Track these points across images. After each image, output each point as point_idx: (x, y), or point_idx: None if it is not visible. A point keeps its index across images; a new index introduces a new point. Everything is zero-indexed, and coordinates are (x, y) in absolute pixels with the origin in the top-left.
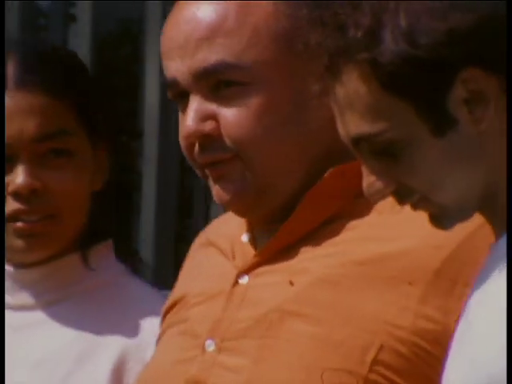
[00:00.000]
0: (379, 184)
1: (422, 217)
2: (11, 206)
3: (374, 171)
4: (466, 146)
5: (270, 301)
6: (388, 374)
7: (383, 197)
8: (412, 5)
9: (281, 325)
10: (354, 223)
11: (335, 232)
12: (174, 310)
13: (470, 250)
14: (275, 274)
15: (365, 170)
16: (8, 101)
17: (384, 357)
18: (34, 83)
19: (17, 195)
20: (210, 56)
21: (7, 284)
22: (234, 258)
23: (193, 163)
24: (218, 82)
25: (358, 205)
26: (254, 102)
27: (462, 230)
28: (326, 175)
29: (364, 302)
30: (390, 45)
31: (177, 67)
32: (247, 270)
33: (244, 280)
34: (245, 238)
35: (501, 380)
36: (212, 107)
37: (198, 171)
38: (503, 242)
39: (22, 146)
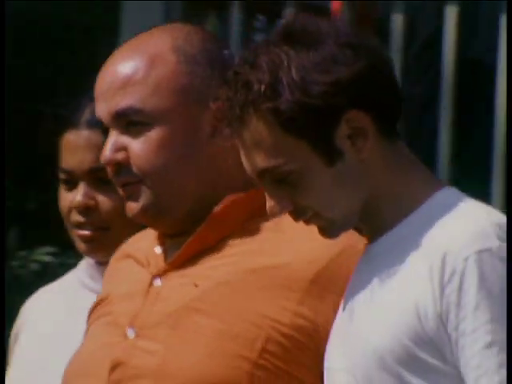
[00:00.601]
0: (280, 206)
1: (301, 237)
2: (74, 217)
3: (274, 197)
4: (350, 172)
5: (179, 299)
6: (273, 360)
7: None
8: (301, 61)
9: (188, 319)
10: (245, 240)
11: (231, 246)
12: (99, 307)
13: (338, 264)
14: (183, 278)
15: (268, 196)
16: (74, 136)
17: (269, 346)
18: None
19: (77, 209)
20: (122, 102)
21: (93, 272)
22: (148, 265)
23: (115, 184)
24: (128, 122)
25: (248, 226)
26: (154, 139)
27: (332, 248)
28: (223, 202)
29: (254, 302)
30: (288, 96)
31: (101, 109)
32: (160, 275)
33: (157, 282)
34: (158, 250)
35: (389, 361)
36: (125, 140)
37: (119, 190)
38: (375, 245)
39: (81, 173)
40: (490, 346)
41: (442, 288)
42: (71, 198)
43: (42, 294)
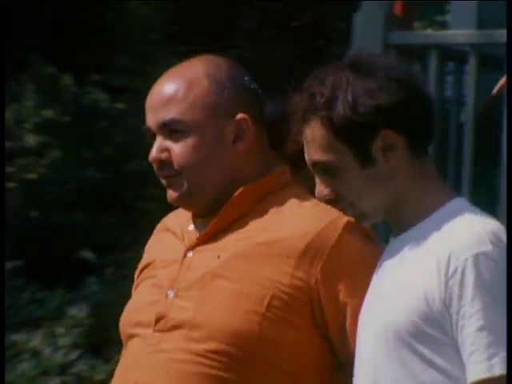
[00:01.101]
0: (326, 191)
1: (295, 217)
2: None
3: (321, 183)
4: (379, 176)
5: (206, 267)
6: (277, 312)
7: (327, 200)
8: (356, 85)
9: (212, 282)
10: (254, 220)
11: (244, 226)
12: (146, 269)
13: (324, 237)
14: (209, 251)
15: (317, 182)
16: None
17: (274, 302)
18: None
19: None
20: (167, 115)
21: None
22: (183, 240)
23: (159, 176)
24: (171, 130)
25: (256, 209)
26: (190, 143)
27: (319, 224)
28: (238, 191)
29: (262, 268)
30: (341, 110)
31: (150, 119)
32: (192, 248)
33: (189, 254)
34: (191, 227)
35: (403, 333)
36: (168, 144)
37: (162, 181)
38: (399, 238)
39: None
40: (481, 329)
41: (447, 281)
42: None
43: None
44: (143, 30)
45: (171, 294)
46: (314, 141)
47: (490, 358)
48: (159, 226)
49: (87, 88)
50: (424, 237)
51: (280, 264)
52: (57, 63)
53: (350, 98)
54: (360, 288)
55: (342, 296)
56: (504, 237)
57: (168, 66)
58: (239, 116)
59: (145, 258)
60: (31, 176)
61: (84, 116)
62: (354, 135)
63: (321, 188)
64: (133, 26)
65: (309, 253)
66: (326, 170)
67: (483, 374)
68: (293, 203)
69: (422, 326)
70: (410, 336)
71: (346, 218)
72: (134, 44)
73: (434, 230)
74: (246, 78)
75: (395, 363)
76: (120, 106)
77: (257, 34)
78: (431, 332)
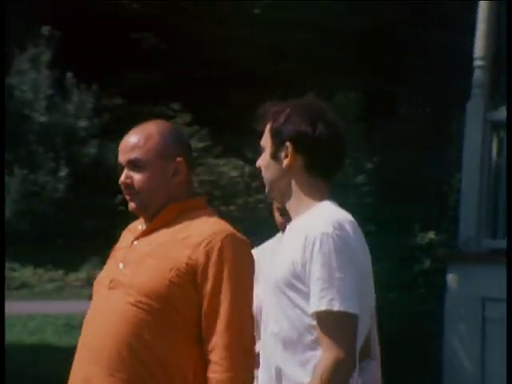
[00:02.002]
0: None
1: (198, 223)
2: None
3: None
4: (278, 169)
5: (142, 251)
6: (178, 278)
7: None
8: (289, 116)
9: (144, 260)
10: (174, 226)
11: (167, 228)
12: (113, 251)
13: (213, 238)
14: (145, 241)
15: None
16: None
17: (177, 272)
18: None
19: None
20: (132, 155)
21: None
22: (133, 234)
23: (124, 194)
24: (134, 165)
25: (177, 219)
26: (145, 174)
27: (212, 230)
28: (167, 207)
29: (173, 253)
30: (271, 120)
31: (120, 158)
32: (136, 239)
33: (135, 243)
34: (141, 227)
35: (281, 285)
36: (131, 174)
37: (126, 197)
38: (291, 223)
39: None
40: (318, 279)
41: (304, 251)
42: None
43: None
44: None
45: (121, 265)
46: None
47: (320, 298)
48: (126, 228)
49: None
50: (300, 224)
51: (183, 250)
52: None
53: (282, 122)
54: (230, 271)
55: (214, 274)
56: (347, 225)
57: None
58: (177, 159)
59: (115, 245)
60: None
61: None
62: (275, 138)
63: (259, 165)
64: None
65: (201, 246)
66: (261, 149)
67: (315, 308)
68: (201, 218)
69: (291, 280)
70: (284, 286)
71: (231, 231)
72: None
73: (307, 219)
74: (182, 135)
75: (276, 305)
76: None
77: None
78: (296, 283)
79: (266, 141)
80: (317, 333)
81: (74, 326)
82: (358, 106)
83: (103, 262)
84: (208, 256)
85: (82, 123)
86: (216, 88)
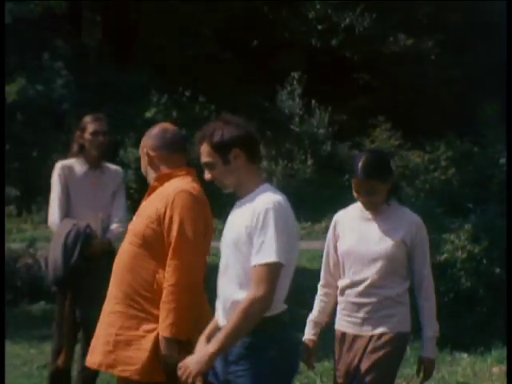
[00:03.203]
0: (208, 176)
1: (163, 194)
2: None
3: (208, 172)
4: (231, 170)
5: (143, 206)
6: (153, 224)
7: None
8: (224, 129)
9: (140, 213)
10: (159, 189)
11: (156, 191)
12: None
13: (173, 201)
14: (147, 200)
15: (206, 172)
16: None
17: (152, 220)
18: None
19: None
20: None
21: None
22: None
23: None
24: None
25: (163, 185)
26: (145, 158)
27: (172, 194)
28: (155, 177)
29: (152, 207)
30: (216, 138)
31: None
32: (144, 199)
33: (143, 202)
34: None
35: (237, 242)
36: (143, 160)
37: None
38: (240, 202)
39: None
40: (262, 242)
41: (253, 219)
42: None
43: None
44: None
45: (134, 217)
46: (204, 152)
47: (258, 252)
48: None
49: None
50: (249, 201)
51: (156, 204)
52: None
53: (215, 135)
54: (178, 215)
55: (169, 218)
56: (282, 202)
57: None
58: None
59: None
60: None
61: None
62: (220, 148)
63: (207, 175)
64: None
65: (164, 199)
66: (208, 166)
67: (255, 258)
68: (175, 181)
69: (244, 238)
70: (239, 243)
71: (184, 188)
72: None
73: (253, 197)
74: (178, 133)
75: (233, 255)
76: None
77: None
78: (247, 241)
79: (211, 157)
80: (252, 276)
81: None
82: None
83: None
84: (166, 206)
85: (321, 131)
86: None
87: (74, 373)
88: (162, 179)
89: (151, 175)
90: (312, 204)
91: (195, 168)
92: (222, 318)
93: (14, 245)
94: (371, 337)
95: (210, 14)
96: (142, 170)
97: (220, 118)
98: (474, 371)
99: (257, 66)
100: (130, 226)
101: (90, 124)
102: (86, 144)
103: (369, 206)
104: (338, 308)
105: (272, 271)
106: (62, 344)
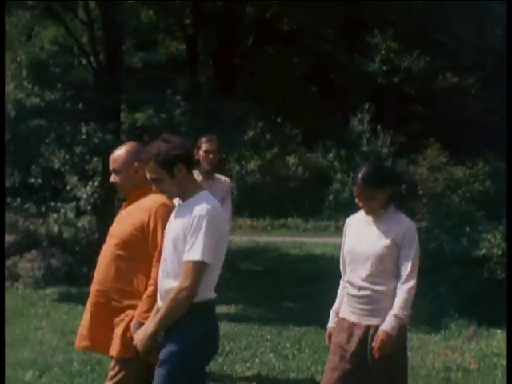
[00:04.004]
0: (157, 189)
1: (144, 205)
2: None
3: (156, 187)
4: (176, 182)
5: (123, 215)
6: (137, 231)
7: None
8: (166, 147)
9: (122, 221)
10: (134, 206)
11: (130, 208)
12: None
13: (154, 205)
14: (123, 212)
15: (153, 186)
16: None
17: (136, 227)
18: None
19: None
20: (113, 165)
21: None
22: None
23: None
24: (115, 171)
25: (140, 200)
26: (123, 174)
27: (153, 206)
28: (133, 194)
29: (135, 217)
30: (155, 160)
31: (110, 166)
32: (124, 208)
33: (122, 211)
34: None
35: (177, 238)
36: (114, 175)
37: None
38: (182, 204)
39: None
40: (193, 243)
41: (189, 221)
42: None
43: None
44: None
45: (115, 224)
46: (151, 169)
47: (190, 250)
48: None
49: None
50: (188, 205)
51: (140, 216)
52: None
53: (160, 151)
54: (160, 224)
55: (153, 227)
56: (217, 208)
57: None
58: (136, 164)
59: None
60: None
61: None
62: (166, 166)
63: (156, 189)
64: None
65: (146, 211)
66: (156, 181)
67: (186, 255)
68: (151, 196)
69: (181, 237)
70: (177, 241)
71: (163, 202)
72: None
73: (192, 202)
74: (144, 151)
75: (172, 253)
76: None
77: None
78: (183, 239)
79: (157, 173)
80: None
81: None
82: None
83: None
84: (149, 217)
85: (384, 150)
86: None
87: None
88: (144, 193)
89: (131, 188)
90: None
91: None
92: (160, 302)
93: None
94: (368, 327)
95: (299, 57)
96: (121, 181)
97: (160, 138)
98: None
99: (334, 99)
100: (112, 231)
101: (203, 144)
102: (201, 159)
103: (368, 211)
104: (344, 299)
105: (197, 267)
106: None
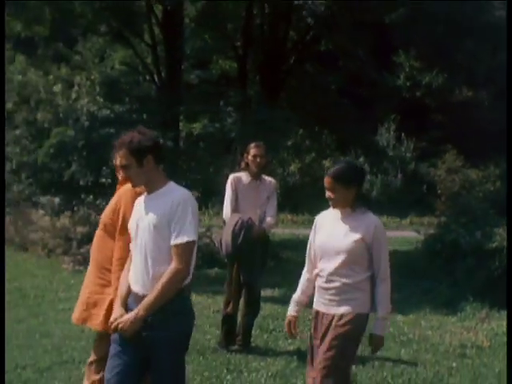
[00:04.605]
0: (123, 175)
1: (125, 187)
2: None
3: (122, 173)
4: (145, 171)
5: (108, 205)
6: (111, 213)
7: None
8: (140, 137)
9: (108, 205)
10: (118, 192)
11: (116, 193)
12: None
13: (124, 190)
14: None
15: (121, 173)
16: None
17: (110, 209)
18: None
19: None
20: (118, 160)
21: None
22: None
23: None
24: (121, 164)
25: (121, 187)
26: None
27: (127, 193)
28: (122, 179)
29: (110, 206)
30: (134, 145)
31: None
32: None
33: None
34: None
35: (156, 226)
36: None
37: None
38: (151, 196)
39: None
40: (175, 225)
41: (171, 208)
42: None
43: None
44: None
45: (106, 208)
46: (122, 156)
47: (177, 234)
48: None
49: None
50: (162, 195)
51: (115, 200)
52: None
53: (137, 142)
54: (125, 207)
55: (119, 209)
56: (191, 194)
57: None
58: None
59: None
60: None
61: None
62: (137, 154)
63: (123, 175)
64: None
65: (119, 195)
66: (125, 167)
67: (174, 239)
68: (127, 184)
69: (163, 223)
70: (159, 227)
71: (129, 188)
72: None
73: (166, 192)
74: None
75: (152, 239)
76: None
77: None
78: (165, 225)
79: (128, 160)
80: (173, 253)
81: None
82: None
83: None
84: (119, 199)
85: (408, 155)
86: None
87: (239, 318)
88: (125, 180)
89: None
90: (399, 204)
91: None
92: (140, 287)
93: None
94: (334, 315)
95: (334, 74)
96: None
97: (136, 129)
98: None
99: (365, 110)
100: (102, 216)
101: (252, 149)
102: (249, 163)
103: (333, 203)
104: (315, 291)
105: (190, 248)
106: (231, 297)
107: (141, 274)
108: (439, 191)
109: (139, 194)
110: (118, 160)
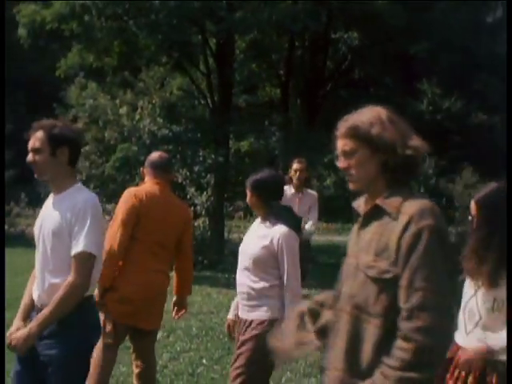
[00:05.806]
0: (29, 159)
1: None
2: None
3: (31, 156)
4: (54, 162)
5: None
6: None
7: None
8: (55, 124)
9: None
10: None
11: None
12: None
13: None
14: None
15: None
16: None
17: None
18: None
19: None
20: (31, 141)
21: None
22: None
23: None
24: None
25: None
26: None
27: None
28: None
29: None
30: (45, 131)
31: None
32: None
33: None
34: None
35: (54, 231)
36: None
37: None
38: (58, 196)
39: None
40: (78, 233)
41: (73, 213)
42: None
43: None
44: None
45: None
46: (37, 138)
47: (76, 243)
48: None
49: None
50: (67, 197)
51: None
52: None
53: (58, 129)
54: (118, 206)
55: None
56: (96, 200)
57: None
58: (141, 169)
59: None
60: None
61: None
62: (53, 142)
63: (30, 159)
64: None
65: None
66: (36, 151)
67: (74, 248)
68: (137, 187)
69: (65, 229)
70: (60, 234)
71: (135, 188)
72: None
73: (71, 194)
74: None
75: (53, 247)
76: None
77: None
78: (64, 232)
79: (42, 144)
80: (71, 264)
81: None
82: None
83: None
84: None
85: (429, 171)
86: None
87: None
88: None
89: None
90: None
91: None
92: (37, 297)
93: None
94: (246, 320)
95: (365, 100)
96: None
97: (65, 122)
98: None
99: None
100: None
101: (294, 164)
102: (292, 176)
103: (252, 208)
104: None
105: (88, 261)
106: None
107: (38, 284)
108: (457, 204)
109: (137, 195)
110: (31, 142)
